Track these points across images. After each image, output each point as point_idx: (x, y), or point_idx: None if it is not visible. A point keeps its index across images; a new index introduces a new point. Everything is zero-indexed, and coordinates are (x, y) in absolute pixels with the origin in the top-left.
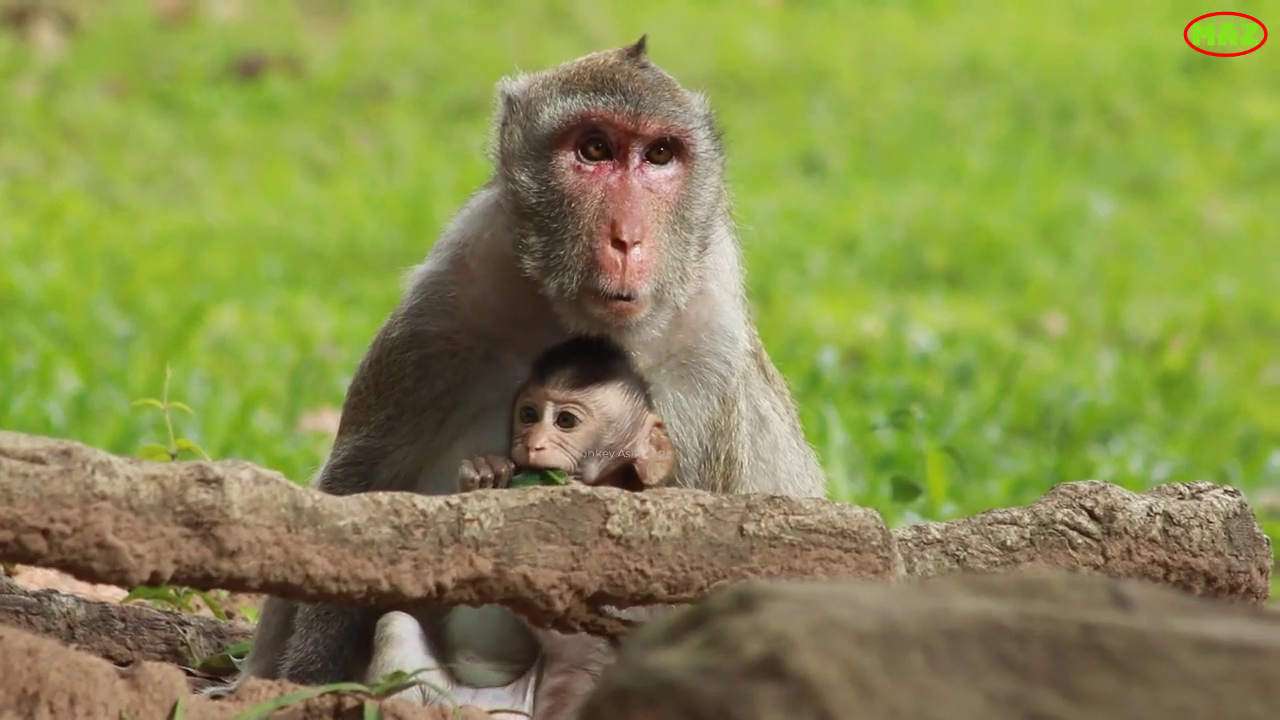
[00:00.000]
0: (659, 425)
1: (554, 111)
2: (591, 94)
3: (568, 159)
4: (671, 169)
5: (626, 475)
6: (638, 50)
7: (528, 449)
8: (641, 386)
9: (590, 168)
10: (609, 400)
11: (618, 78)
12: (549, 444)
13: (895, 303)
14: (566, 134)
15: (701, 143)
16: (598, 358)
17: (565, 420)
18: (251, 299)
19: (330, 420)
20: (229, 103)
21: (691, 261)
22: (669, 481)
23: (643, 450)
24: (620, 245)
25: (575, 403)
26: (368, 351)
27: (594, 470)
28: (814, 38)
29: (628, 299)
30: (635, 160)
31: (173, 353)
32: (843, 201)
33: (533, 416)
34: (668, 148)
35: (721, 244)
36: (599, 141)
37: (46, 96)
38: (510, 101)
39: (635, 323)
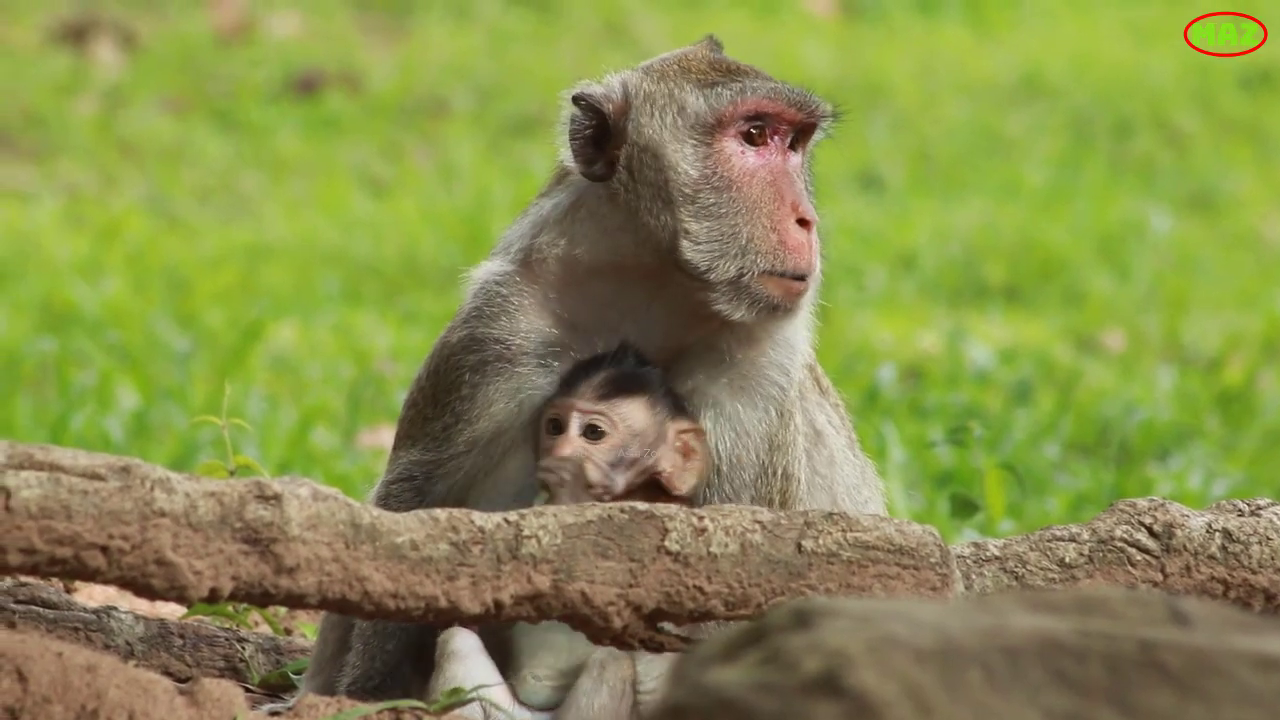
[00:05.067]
0: (687, 431)
1: (718, 99)
2: (754, 81)
3: (731, 145)
4: (798, 157)
5: (654, 485)
6: (716, 44)
7: (555, 457)
8: (668, 396)
9: (754, 151)
10: (634, 413)
11: (756, 69)
12: (577, 455)
13: (953, 319)
14: (731, 121)
15: (817, 135)
16: (625, 370)
17: (591, 432)
18: (310, 315)
19: (388, 436)
20: (287, 119)
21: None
22: (702, 490)
23: (668, 463)
24: (804, 225)
25: (600, 414)
26: (424, 364)
27: (620, 483)
28: (871, 52)
29: (805, 278)
30: (784, 145)
31: (231, 369)
32: (901, 217)
33: (559, 428)
34: (801, 136)
35: None
36: (759, 127)
37: (106, 113)
38: (630, 94)
39: (801, 304)
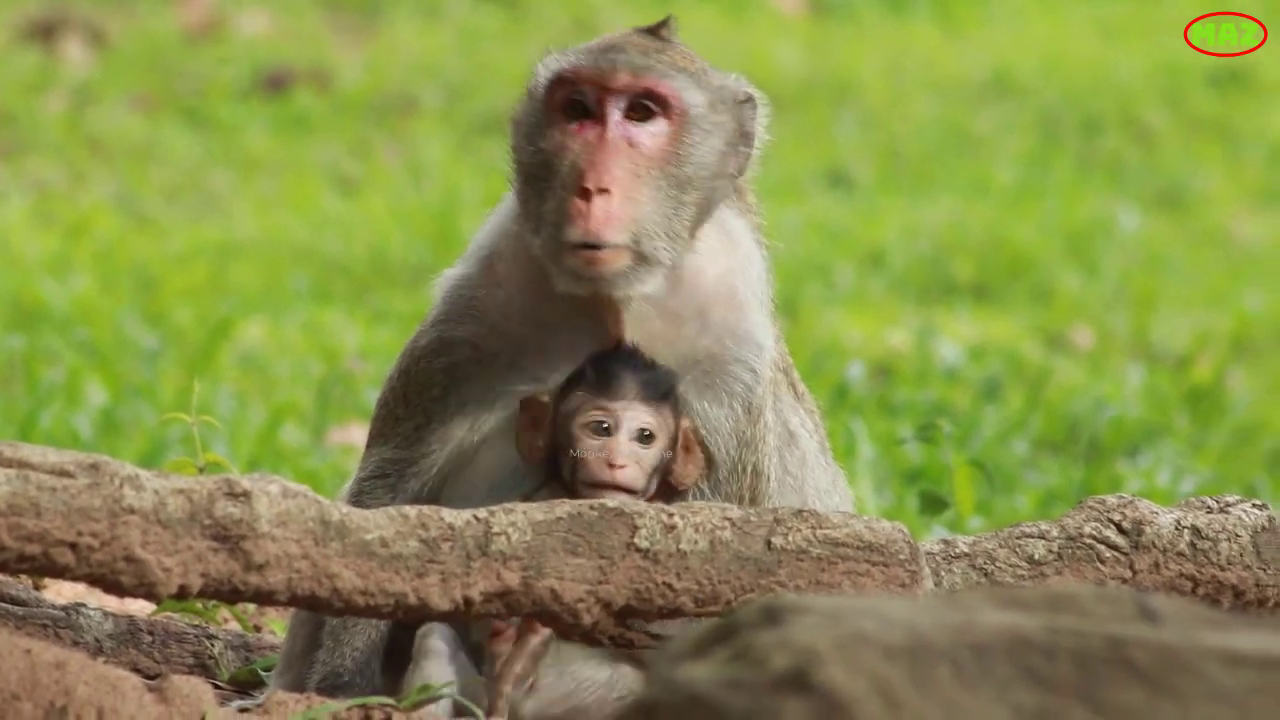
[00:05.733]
0: (690, 428)
1: (539, 77)
2: (571, 54)
3: (554, 120)
4: (656, 125)
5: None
6: (655, 26)
7: (609, 465)
8: (678, 394)
9: (574, 127)
10: (669, 417)
11: (605, 41)
12: (630, 463)
13: (922, 316)
14: (551, 96)
15: (692, 102)
16: (658, 369)
17: (643, 437)
18: (279, 313)
19: (358, 434)
20: (256, 117)
21: (684, 221)
22: (699, 486)
23: (678, 461)
24: (585, 193)
25: (650, 420)
26: (395, 363)
27: (652, 486)
28: (840, 51)
29: (596, 247)
30: (615, 117)
31: (200, 367)
32: (869, 215)
33: (606, 431)
34: (651, 104)
35: (743, 243)
36: (581, 102)
37: (74, 111)
38: (528, 79)
39: (612, 275)
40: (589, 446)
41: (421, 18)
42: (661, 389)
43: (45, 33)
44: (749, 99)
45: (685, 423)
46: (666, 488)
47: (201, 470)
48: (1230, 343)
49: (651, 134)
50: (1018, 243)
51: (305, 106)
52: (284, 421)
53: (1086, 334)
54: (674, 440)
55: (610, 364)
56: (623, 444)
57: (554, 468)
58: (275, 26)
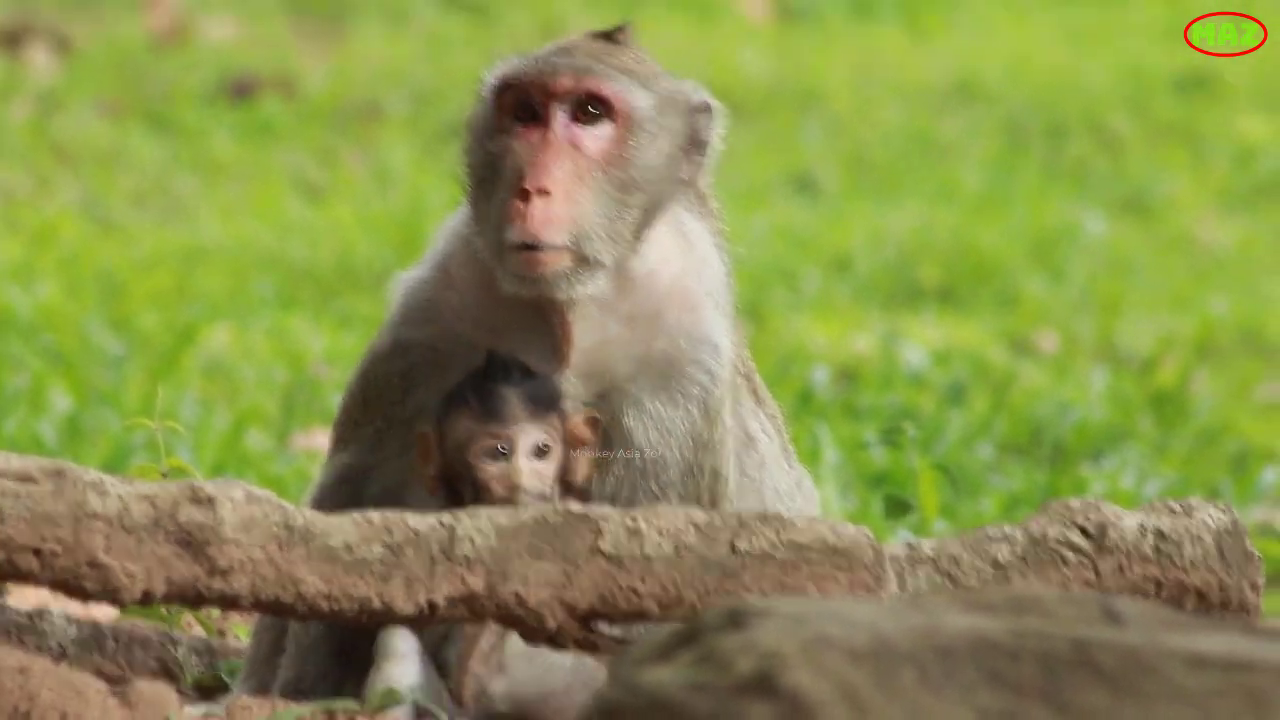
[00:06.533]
0: (579, 423)
1: (488, 81)
2: (519, 59)
3: (503, 124)
4: (601, 128)
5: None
6: (611, 31)
7: (516, 488)
8: (561, 394)
9: (520, 129)
10: (558, 421)
11: (556, 45)
12: (532, 480)
13: (887, 321)
14: (499, 100)
15: (636, 105)
16: (538, 381)
17: (539, 452)
18: (244, 319)
19: (322, 439)
20: (222, 123)
21: (628, 224)
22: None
23: (570, 458)
24: (524, 194)
25: (543, 433)
26: (356, 368)
27: (557, 490)
28: (806, 57)
29: (536, 248)
30: (559, 119)
31: (165, 372)
32: (835, 220)
33: (501, 455)
34: (596, 107)
35: (699, 246)
36: (529, 105)
37: (40, 117)
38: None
39: (553, 276)
40: (489, 473)
41: (388, 24)
42: (547, 398)
43: (11, 40)
44: (705, 106)
45: (574, 420)
46: (564, 484)
47: (165, 476)
48: (1195, 347)
49: (596, 136)
50: (983, 248)
51: (271, 113)
52: (248, 427)
53: (1051, 338)
54: (566, 440)
55: (490, 384)
56: (522, 464)
57: (453, 496)
58: (241, 33)
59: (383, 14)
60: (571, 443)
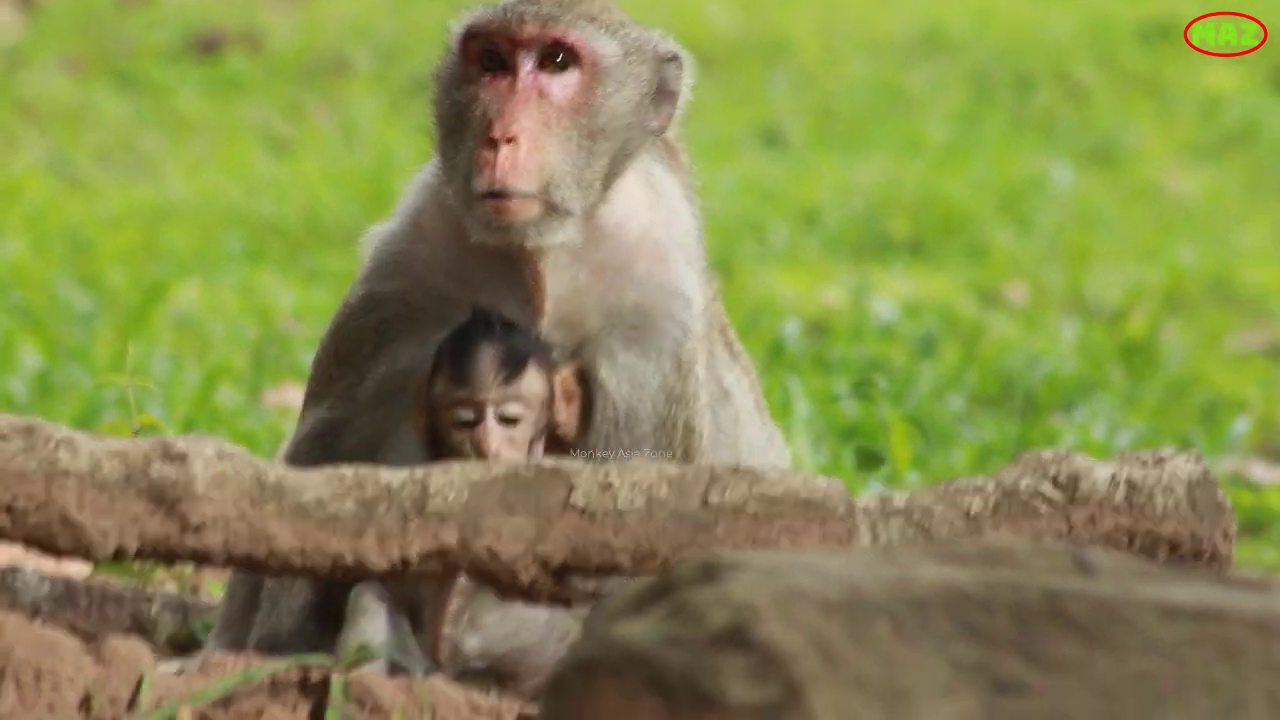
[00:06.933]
0: (567, 377)
1: (455, 30)
2: (485, 8)
3: (470, 73)
4: (568, 76)
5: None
6: None
7: (484, 455)
8: (546, 349)
9: (486, 79)
10: (534, 383)
11: None
12: (503, 446)
13: (857, 274)
14: (465, 49)
15: (603, 52)
16: (509, 341)
17: (508, 419)
18: (213, 274)
19: (293, 395)
20: (188, 79)
21: (596, 172)
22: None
23: (560, 414)
24: (492, 143)
25: (513, 400)
26: (329, 323)
27: (539, 450)
28: (773, 9)
29: (504, 196)
30: (526, 67)
31: (134, 329)
32: (803, 173)
33: (471, 422)
34: (563, 55)
35: (669, 198)
36: (496, 54)
37: (5, 74)
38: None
39: (522, 224)
40: (458, 439)
41: None
42: (521, 357)
43: None
44: (673, 56)
45: (561, 374)
46: (555, 441)
47: (137, 433)
48: (1163, 297)
49: (563, 84)
50: (951, 200)
51: (237, 68)
52: (219, 383)
53: (1021, 289)
54: (551, 397)
55: (466, 344)
56: (491, 431)
57: (436, 450)
58: None
59: None
60: (564, 396)
